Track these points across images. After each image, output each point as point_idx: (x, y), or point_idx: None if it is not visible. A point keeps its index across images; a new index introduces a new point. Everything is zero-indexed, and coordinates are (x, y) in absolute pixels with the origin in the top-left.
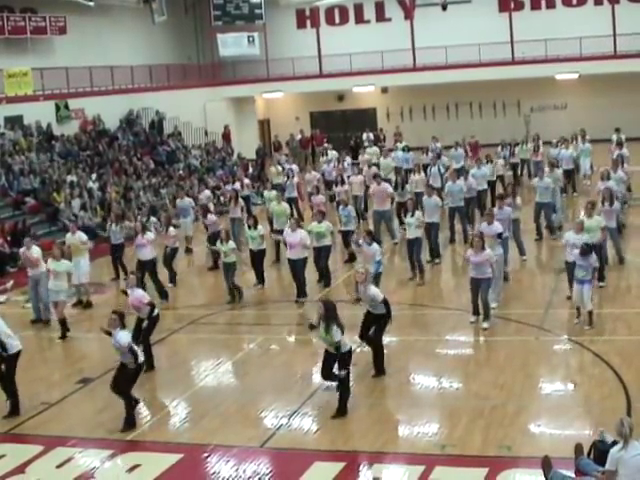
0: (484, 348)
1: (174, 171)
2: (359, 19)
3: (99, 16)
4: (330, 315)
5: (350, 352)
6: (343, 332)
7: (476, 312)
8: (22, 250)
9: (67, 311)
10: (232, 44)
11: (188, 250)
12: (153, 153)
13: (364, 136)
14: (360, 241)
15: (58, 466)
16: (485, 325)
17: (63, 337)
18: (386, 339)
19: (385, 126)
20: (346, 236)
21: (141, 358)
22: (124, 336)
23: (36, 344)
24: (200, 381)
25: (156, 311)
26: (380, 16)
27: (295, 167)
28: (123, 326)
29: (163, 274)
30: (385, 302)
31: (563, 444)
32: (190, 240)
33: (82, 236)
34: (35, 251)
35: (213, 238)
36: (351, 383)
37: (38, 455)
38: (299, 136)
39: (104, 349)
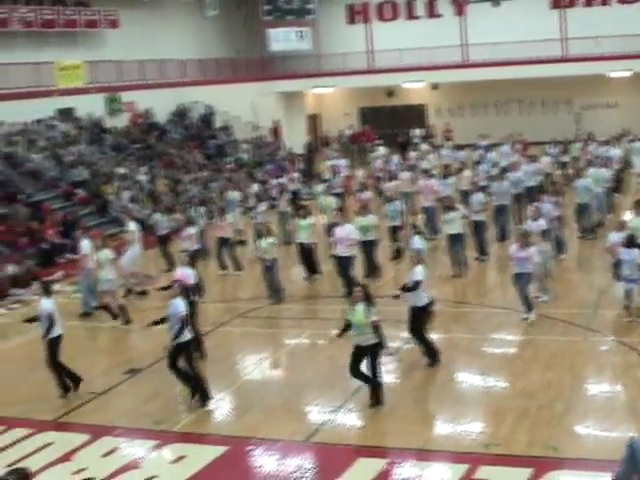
0: (530, 347)
1: (223, 165)
2: (410, 15)
3: (150, 10)
4: (367, 296)
5: (378, 344)
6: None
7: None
8: (86, 242)
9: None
10: (282, 39)
11: (240, 242)
12: (202, 147)
13: (413, 132)
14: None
15: (104, 455)
16: (531, 317)
17: (125, 322)
18: (431, 336)
19: (435, 122)
20: (393, 231)
21: (187, 336)
22: (181, 304)
23: (84, 334)
24: (246, 374)
25: (195, 297)
26: (431, 12)
27: (344, 162)
28: (183, 297)
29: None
30: (416, 283)
31: (609, 446)
32: (240, 233)
33: (130, 225)
34: (84, 246)
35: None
36: (397, 380)
37: (84, 444)
38: (349, 131)
39: (152, 340)
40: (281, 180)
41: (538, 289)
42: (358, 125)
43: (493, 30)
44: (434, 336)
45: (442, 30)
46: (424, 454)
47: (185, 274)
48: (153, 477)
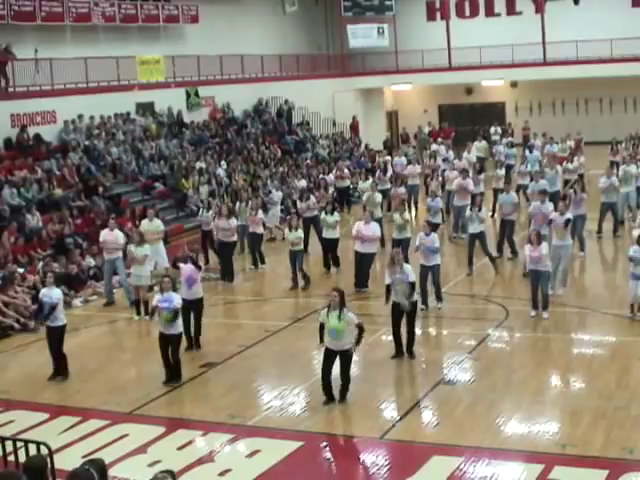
0: (607, 348)
1: (302, 160)
2: (489, 12)
3: (230, 5)
4: (342, 302)
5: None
6: None
7: (536, 306)
8: (105, 232)
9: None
10: (362, 35)
11: (272, 239)
12: (281, 142)
13: (492, 130)
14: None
15: (179, 448)
16: (545, 315)
17: (152, 315)
18: (510, 335)
19: (513, 121)
20: (434, 228)
21: (181, 329)
22: (178, 297)
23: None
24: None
25: (202, 293)
26: (511, 9)
27: (403, 159)
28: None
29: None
30: (412, 285)
31: None
32: (273, 229)
33: (160, 225)
34: (118, 235)
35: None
36: (474, 379)
37: (160, 436)
38: (428, 128)
39: (226, 335)
40: (325, 176)
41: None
42: (437, 122)
43: (573, 28)
44: (515, 334)
45: (521, 27)
46: (499, 453)
47: (193, 268)
48: (227, 471)
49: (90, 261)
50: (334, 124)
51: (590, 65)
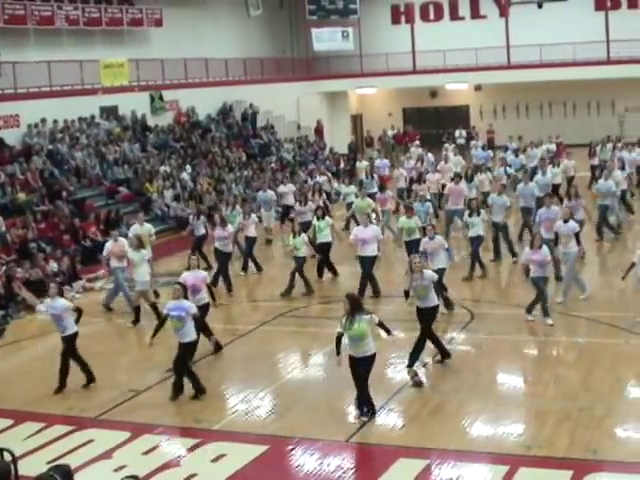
0: (573, 349)
1: (266, 164)
2: (454, 16)
3: (195, 9)
4: (355, 308)
5: (374, 356)
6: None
7: (530, 311)
8: (109, 243)
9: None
10: (326, 39)
11: (268, 241)
12: (246, 146)
13: (457, 133)
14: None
15: (144, 453)
16: (549, 321)
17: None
18: (476, 337)
19: (478, 124)
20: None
21: (194, 336)
22: (193, 305)
23: (127, 331)
24: (287, 374)
25: (207, 299)
26: (475, 13)
27: (387, 162)
28: (186, 298)
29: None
30: (439, 282)
31: None
32: (270, 232)
33: (151, 228)
34: (124, 244)
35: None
36: (440, 381)
37: (125, 441)
38: (392, 132)
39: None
40: (317, 179)
41: (563, 290)
42: (401, 126)
43: (537, 32)
44: (481, 336)
45: (486, 31)
46: (465, 455)
47: (200, 276)
48: (193, 475)
49: (54, 266)
50: (299, 128)
51: (554, 69)
